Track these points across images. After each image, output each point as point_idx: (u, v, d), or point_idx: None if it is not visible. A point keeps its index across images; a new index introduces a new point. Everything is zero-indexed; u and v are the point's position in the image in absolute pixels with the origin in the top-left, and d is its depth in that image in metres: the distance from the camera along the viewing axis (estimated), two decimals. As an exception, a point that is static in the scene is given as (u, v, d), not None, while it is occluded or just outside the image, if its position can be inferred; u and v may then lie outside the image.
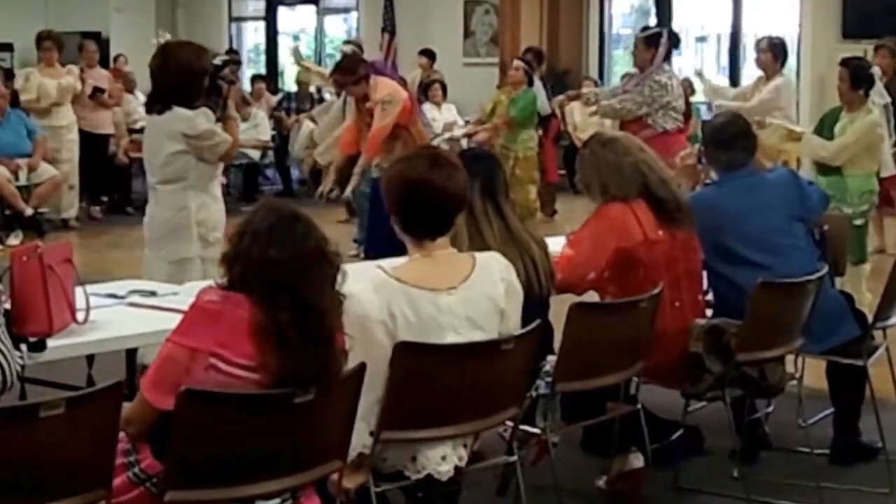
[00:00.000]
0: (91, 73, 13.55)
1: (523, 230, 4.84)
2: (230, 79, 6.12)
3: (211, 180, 5.99)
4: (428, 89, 13.72)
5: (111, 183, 14.17)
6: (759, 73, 9.88)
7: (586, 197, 5.30)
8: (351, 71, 9.08)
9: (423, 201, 3.93)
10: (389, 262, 4.00)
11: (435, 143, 12.55)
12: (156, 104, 5.92)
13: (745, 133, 5.58)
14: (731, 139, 5.51)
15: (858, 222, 7.93)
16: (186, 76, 5.84)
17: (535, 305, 4.15)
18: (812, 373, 5.66)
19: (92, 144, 13.41)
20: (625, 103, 9.04)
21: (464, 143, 13.12)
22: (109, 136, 14.00)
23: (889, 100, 9.40)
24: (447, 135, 13.02)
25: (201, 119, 5.81)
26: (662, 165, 5.26)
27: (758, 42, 10.12)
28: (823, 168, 7.97)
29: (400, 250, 4.29)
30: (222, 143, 5.88)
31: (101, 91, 13.47)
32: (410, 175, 3.95)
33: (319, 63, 18.54)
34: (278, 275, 3.44)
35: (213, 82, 5.94)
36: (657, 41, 9.19)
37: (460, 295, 3.91)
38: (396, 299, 3.82)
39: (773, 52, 9.75)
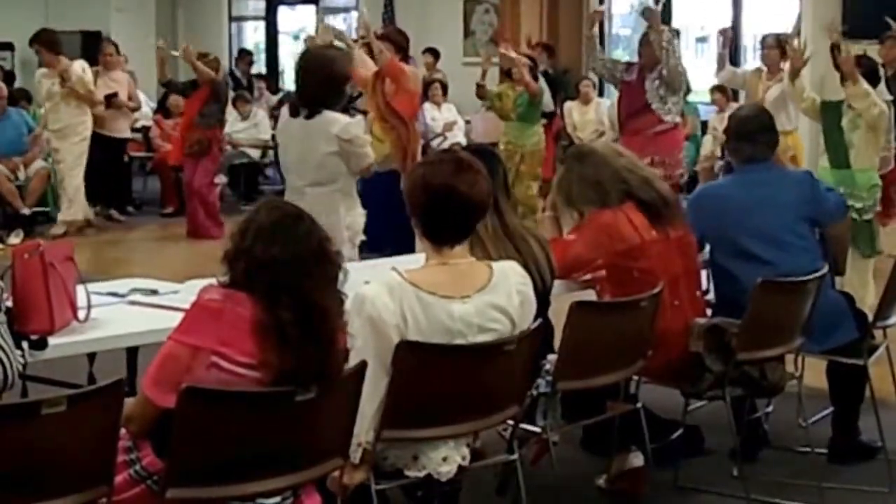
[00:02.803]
0: (110, 75, 13.17)
1: (521, 226, 4.84)
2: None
3: (354, 185, 6.11)
4: (428, 89, 13.72)
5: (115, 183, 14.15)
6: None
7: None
8: (402, 37, 9.21)
9: (447, 208, 3.88)
10: (404, 264, 3.97)
11: (434, 143, 12.59)
12: (303, 108, 6.05)
13: (768, 128, 5.61)
14: (754, 132, 5.54)
15: (868, 216, 7.98)
16: (329, 80, 6.02)
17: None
18: (812, 372, 5.66)
19: (109, 148, 13.12)
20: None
21: (463, 140, 13.11)
22: (126, 141, 13.76)
23: (891, 97, 9.42)
24: (446, 140, 13.01)
25: (355, 126, 5.98)
26: (643, 165, 5.29)
27: (764, 38, 10.11)
28: (835, 162, 8.02)
29: (398, 244, 4.30)
30: (367, 156, 6.03)
31: (115, 95, 13.07)
32: (434, 180, 3.88)
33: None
34: (281, 273, 3.44)
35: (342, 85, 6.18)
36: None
37: (474, 304, 3.88)
38: (409, 303, 3.80)
39: (781, 48, 9.78)
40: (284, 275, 3.44)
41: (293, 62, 16.89)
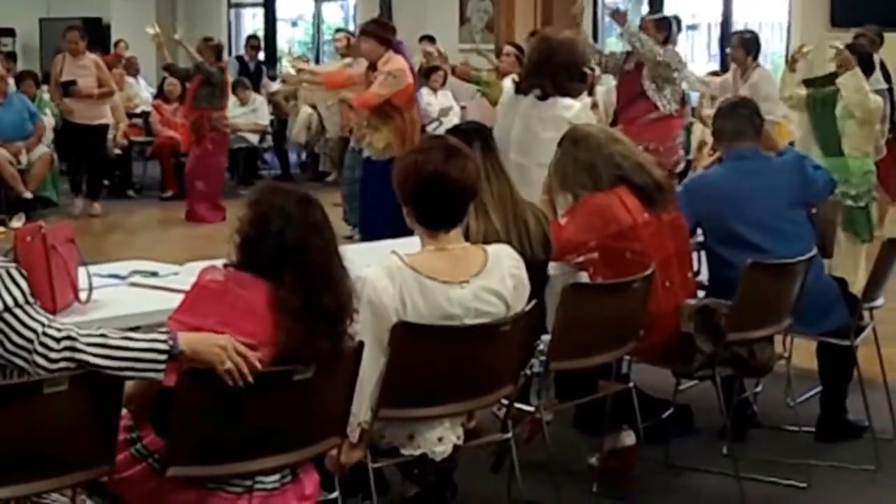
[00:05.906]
0: (76, 62, 12.72)
1: (521, 198, 4.92)
2: (592, 66, 6.55)
3: None
4: (431, 74, 13.75)
5: (111, 167, 14.18)
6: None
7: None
8: (384, 29, 9.13)
9: (439, 194, 3.94)
10: (404, 248, 4.02)
11: (430, 128, 12.61)
12: (534, 89, 6.22)
13: (751, 108, 5.69)
14: (733, 107, 5.67)
15: (862, 203, 8.02)
16: (572, 65, 6.25)
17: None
18: (800, 352, 5.72)
19: (85, 137, 12.85)
20: (655, 47, 8.94)
21: (455, 120, 13.11)
22: (107, 126, 13.28)
23: (886, 85, 9.45)
24: (442, 125, 13.02)
25: (583, 112, 6.18)
26: (638, 151, 5.33)
27: (730, 37, 10.19)
28: (827, 149, 8.06)
29: (397, 232, 4.35)
30: None
31: (73, 83, 12.62)
32: (425, 168, 3.94)
33: (317, 55, 18.58)
34: (296, 255, 3.46)
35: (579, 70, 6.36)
36: (668, 26, 9.21)
37: (471, 289, 3.94)
38: (409, 288, 3.86)
39: (744, 47, 9.88)
40: (298, 256, 3.46)
41: (293, 49, 16.96)
